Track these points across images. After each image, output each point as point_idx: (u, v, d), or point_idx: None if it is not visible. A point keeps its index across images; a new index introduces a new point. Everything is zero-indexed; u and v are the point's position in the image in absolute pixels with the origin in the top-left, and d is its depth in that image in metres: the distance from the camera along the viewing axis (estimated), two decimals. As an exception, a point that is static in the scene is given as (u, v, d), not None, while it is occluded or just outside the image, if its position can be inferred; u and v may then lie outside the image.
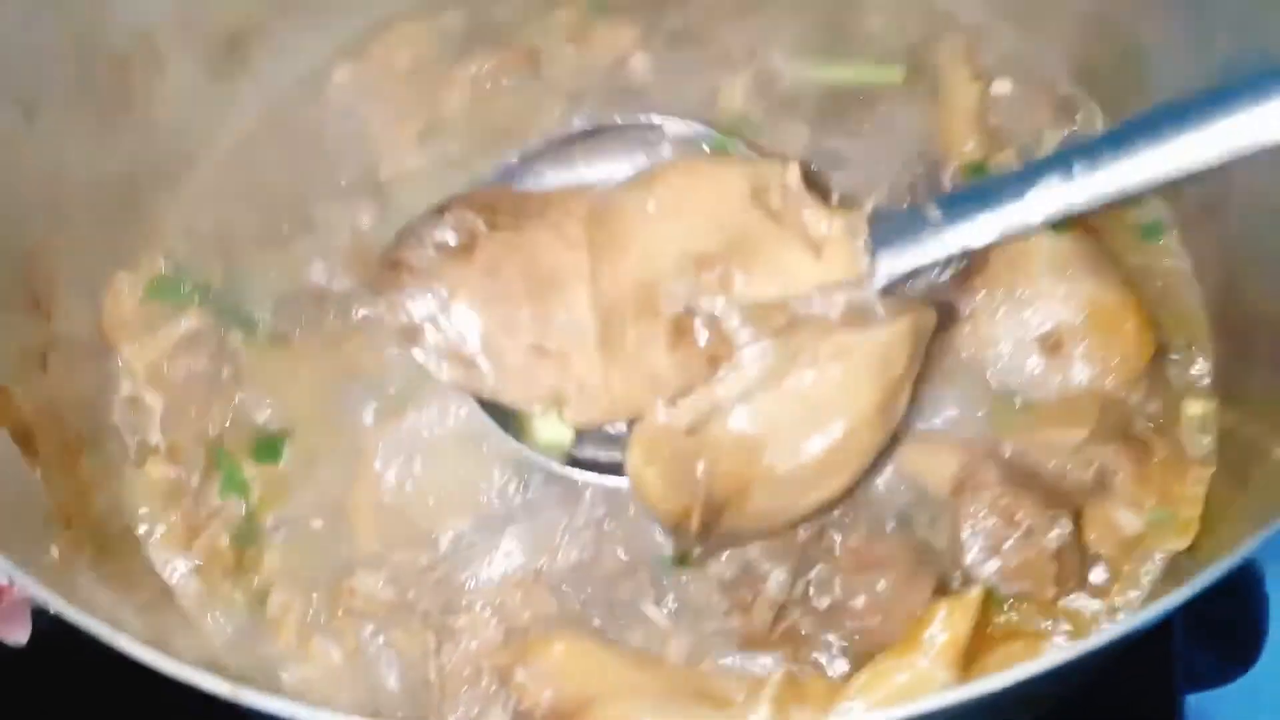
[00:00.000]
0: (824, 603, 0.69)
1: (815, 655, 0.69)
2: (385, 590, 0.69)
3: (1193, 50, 0.81)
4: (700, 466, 0.59)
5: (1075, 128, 0.90)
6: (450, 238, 0.64)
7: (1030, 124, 0.89)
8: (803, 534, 0.70)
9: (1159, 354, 0.78)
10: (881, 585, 0.68)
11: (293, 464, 0.77)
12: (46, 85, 0.75)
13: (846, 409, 0.58)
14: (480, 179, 0.79)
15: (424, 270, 0.64)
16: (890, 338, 0.58)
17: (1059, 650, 0.48)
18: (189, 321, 0.79)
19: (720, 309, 0.58)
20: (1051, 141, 0.89)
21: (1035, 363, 0.77)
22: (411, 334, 0.65)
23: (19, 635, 0.89)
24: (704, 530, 0.62)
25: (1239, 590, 0.97)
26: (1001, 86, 0.91)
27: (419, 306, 0.64)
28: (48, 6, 0.74)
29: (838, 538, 0.70)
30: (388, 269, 0.65)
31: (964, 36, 0.91)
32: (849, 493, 0.65)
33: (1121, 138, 0.62)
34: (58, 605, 0.54)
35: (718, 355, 0.59)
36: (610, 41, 0.90)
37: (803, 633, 0.69)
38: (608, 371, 0.64)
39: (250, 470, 0.77)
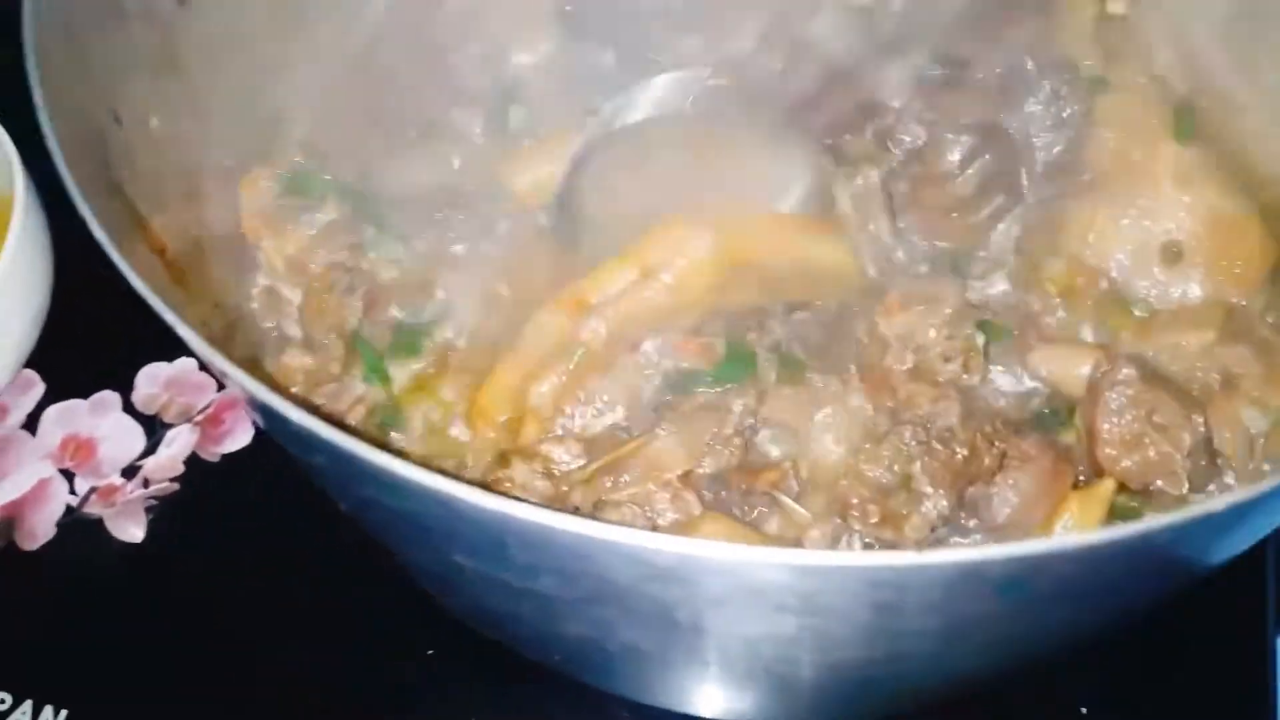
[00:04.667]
0: (972, 521, 0.71)
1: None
2: (540, 483, 0.70)
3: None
4: None
5: (1189, 48, 0.91)
6: None
7: (1143, 41, 0.90)
8: (959, 455, 0.70)
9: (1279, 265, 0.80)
10: (1025, 482, 0.69)
11: (434, 357, 0.78)
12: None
13: None
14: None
15: None
16: None
17: (1187, 507, 0.48)
18: (327, 215, 0.81)
19: None
20: (1161, 60, 0.90)
21: (1158, 270, 0.79)
22: None
23: (135, 532, 0.91)
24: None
25: None
26: (1115, 6, 0.92)
27: None
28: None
29: (995, 456, 0.71)
30: None
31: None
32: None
33: None
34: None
35: None
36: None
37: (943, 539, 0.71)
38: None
39: (390, 363, 0.78)
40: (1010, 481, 0.70)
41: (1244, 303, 0.78)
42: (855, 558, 0.41)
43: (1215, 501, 0.47)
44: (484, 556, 0.50)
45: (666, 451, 0.70)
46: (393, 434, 0.76)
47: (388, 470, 0.44)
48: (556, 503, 0.71)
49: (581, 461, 0.71)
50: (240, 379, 0.50)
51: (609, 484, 0.71)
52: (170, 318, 0.50)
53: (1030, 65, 0.85)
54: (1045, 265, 0.79)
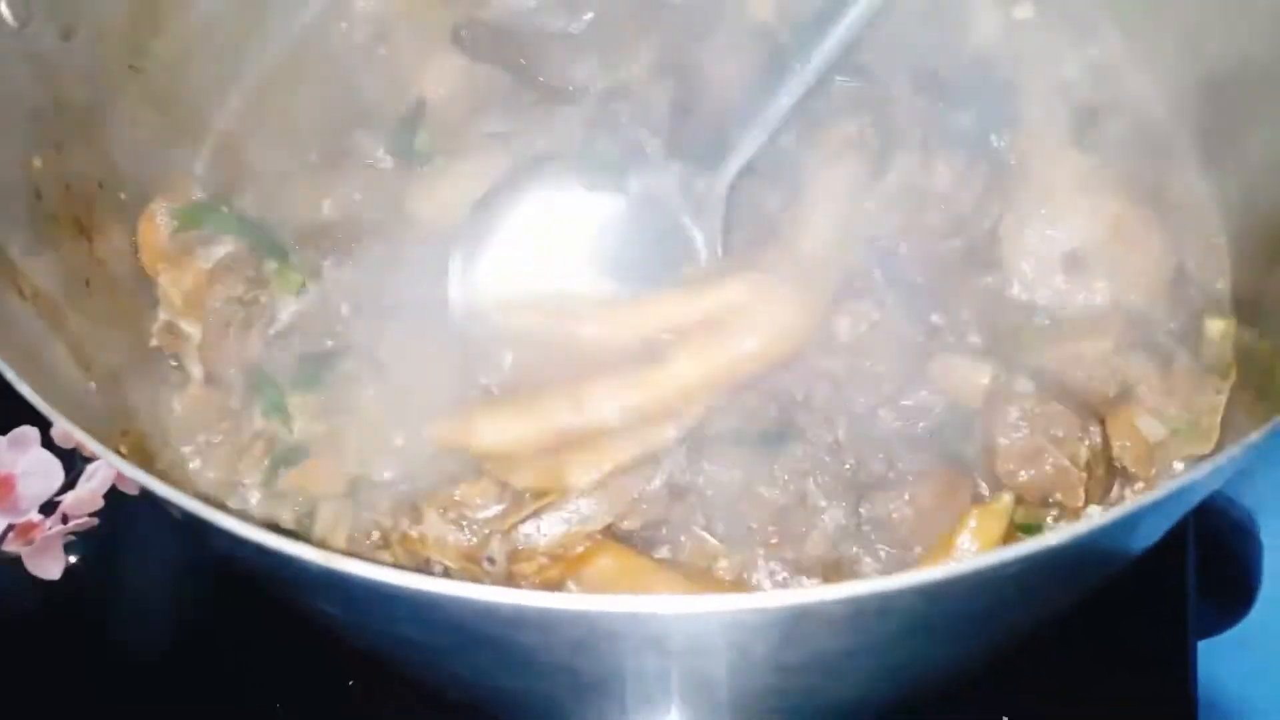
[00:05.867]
0: (871, 532, 0.70)
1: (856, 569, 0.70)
2: (454, 537, 0.68)
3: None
4: None
5: (1095, 52, 0.91)
6: None
7: (1052, 48, 0.90)
8: (848, 466, 0.71)
9: (1180, 271, 0.80)
10: (923, 497, 0.69)
11: (336, 390, 0.77)
12: (83, 7, 0.75)
13: None
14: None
15: None
16: None
17: (1080, 522, 0.48)
18: (225, 248, 0.80)
19: None
20: (1074, 65, 0.90)
21: (1060, 279, 0.78)
22: None
23: (52, 569, 0.90)
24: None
25: (1234, 539, 0.99)
26: (1023, 11, 0.92)
27: None
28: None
29: (884, 463, 0.71)
30: None
31: (984, -40, 0.91)
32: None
33: None
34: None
35: None
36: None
37: (847, 556, 0.70)
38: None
39: (293, 396, 0.77)
40: (907, 497, 0.70)
41: (1144, 310, 0.78)
42: (690, 604, 0.41)
43: (1085, 524, 0.47)
44: (344, 607, 0.50)
45: (588, 509, 0.69)
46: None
47: (227, 529, 0.43)
48: (470, 559, 0.69)
49: (499, 508, 0.70)
50: (96, 448, 0.50)
51: (524, 536, 0.69)
52: (21, 387, 0.49)
53: (941, 71, 0.84)
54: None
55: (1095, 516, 0.46)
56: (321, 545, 0.70)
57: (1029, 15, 0.92)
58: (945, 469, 0.70)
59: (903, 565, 0.70)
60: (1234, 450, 0.52)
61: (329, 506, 0.72)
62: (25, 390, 0.50)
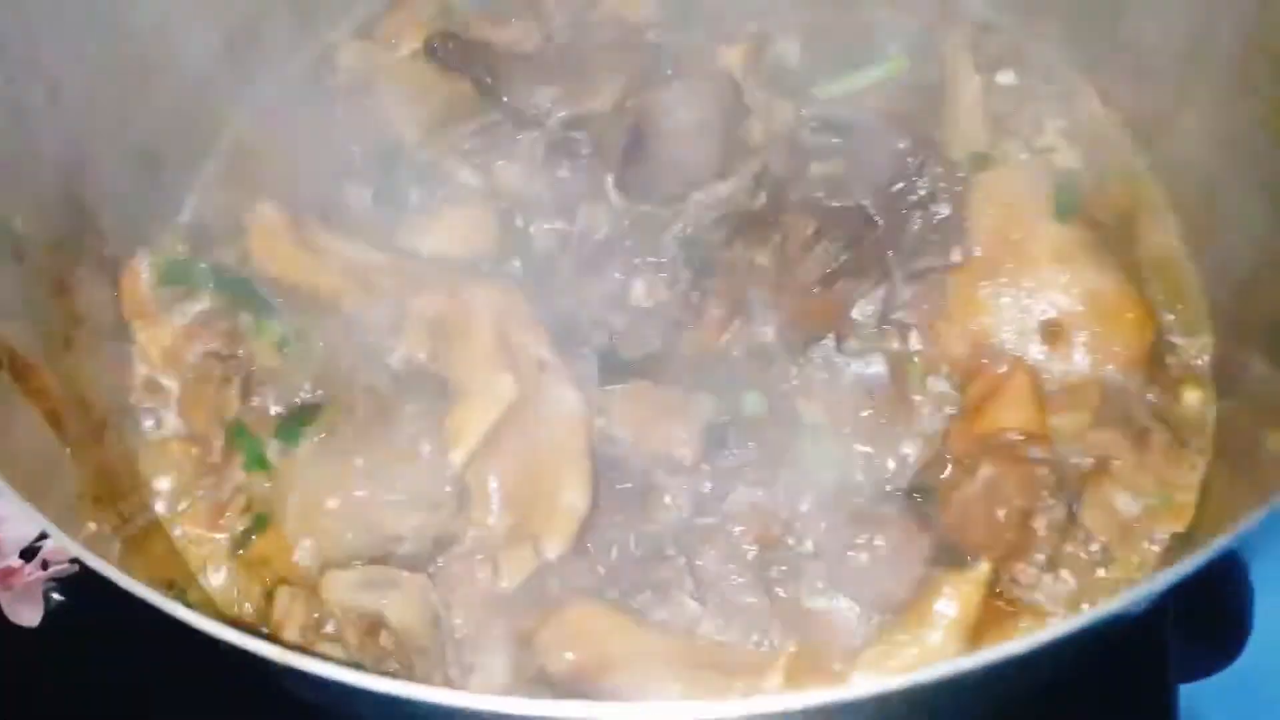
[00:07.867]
0: (821, 569, 0.71)
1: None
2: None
3: (1190, 41, 0.83)
4: None
5: (1076, 117, 0.92)
6: None
7: (1032, 113, 0.91)
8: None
9: (1159, 342, 0.80)
10: (880, 542, 0.70)
11: (315, 443, 0.77)
12: (69, 66, 0.75)
13: None
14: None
15: None
16: None
17: (1060, 622, 0.49)
18: (202, 303, 0.80)
19: None
20: (1052, 129, 0.91)
21: (1037, 349, 0.79)
22: None
23: (32, 617, 0.90)
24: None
25: (1224, 583, 0.99)
26: (1005, 77, 0.92)
27: None
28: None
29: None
30: None
31: (969, 28, 0.92)
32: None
33: None
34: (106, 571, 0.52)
35: None
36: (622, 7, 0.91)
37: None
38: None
39: (272, 450, 0.77)
40: (866, 540, 0.71)
41: (1122, 380, 0.78)
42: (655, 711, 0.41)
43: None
44: (312, 694, 0.50)
45: None
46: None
47: (188, 621, 0.43)
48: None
49: None
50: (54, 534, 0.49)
51: None
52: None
53: (902, 144, 0.83)
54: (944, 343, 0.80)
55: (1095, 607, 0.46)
56: (276, 630, 0.72)
57: (1011, 80, 0.92)
58: (904, 520, 0.71)
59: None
60: (1223, 539, 0.52)
61: (286, 593, 0.72)
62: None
